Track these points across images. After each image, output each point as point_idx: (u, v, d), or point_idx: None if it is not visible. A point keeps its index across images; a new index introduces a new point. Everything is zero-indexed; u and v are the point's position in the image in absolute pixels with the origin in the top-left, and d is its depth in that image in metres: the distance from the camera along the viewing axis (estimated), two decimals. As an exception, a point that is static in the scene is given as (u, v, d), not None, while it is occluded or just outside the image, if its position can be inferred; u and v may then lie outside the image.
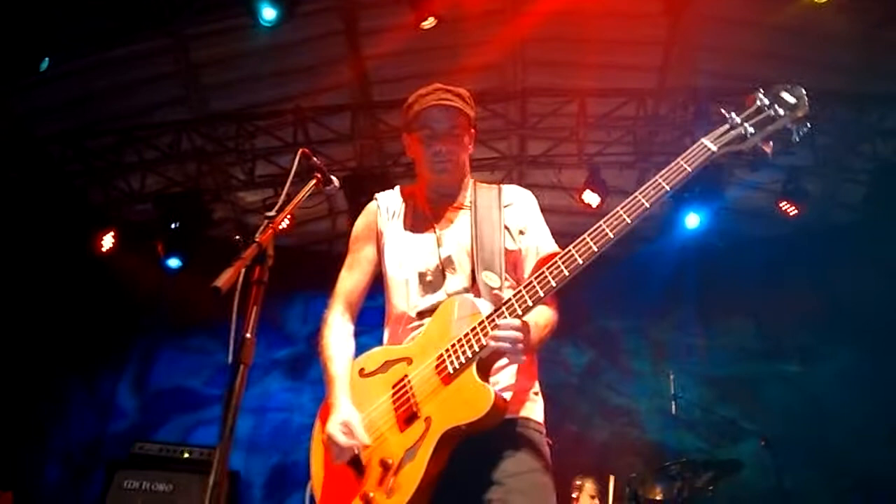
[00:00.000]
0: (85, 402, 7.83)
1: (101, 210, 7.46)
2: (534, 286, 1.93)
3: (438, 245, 2.28)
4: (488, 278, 2.16)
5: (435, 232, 2.31)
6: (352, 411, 2.09)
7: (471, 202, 2.36)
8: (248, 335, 1.68)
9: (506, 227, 2.29)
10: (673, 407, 5.38)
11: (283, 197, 2.03)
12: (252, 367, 1.65)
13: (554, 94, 7.24)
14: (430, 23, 5.79)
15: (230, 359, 1.62)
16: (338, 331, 2.33)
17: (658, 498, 5.26)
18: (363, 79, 7.47)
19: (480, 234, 2.25)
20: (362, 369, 2.23)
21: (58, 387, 7.56)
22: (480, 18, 6.92)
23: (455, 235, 2.30)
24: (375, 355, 2.25)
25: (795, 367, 7.71)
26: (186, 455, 5.29)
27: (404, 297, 2.26)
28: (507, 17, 6.93)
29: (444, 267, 2.23)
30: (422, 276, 2.25)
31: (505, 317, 1.92)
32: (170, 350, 8.31)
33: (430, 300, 2.21)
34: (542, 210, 2.45)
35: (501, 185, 2.48)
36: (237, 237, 1.67)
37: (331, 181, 2.26)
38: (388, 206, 2.46)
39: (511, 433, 2.05)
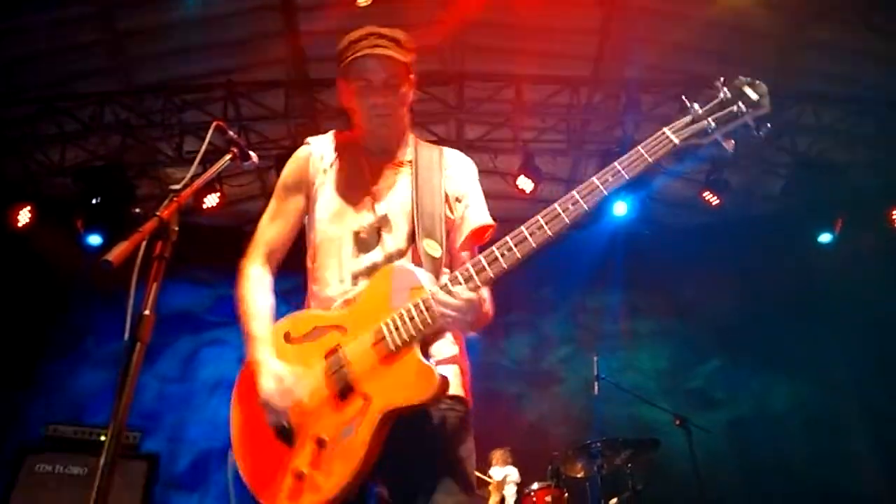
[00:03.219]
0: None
1: (17, 184, 7.09)
2: (495, 256, 1.82)
3: (375, 201, 2.14)
4: (430, 247, 2.03)
5: (371, 187, 2.16)
6: (282, 367, 1.97)
7: (412, 160, 2.22)
8: (147, 312, 1.63)
9: (445, 194, 2.16)
10: (596, 387, 5.54)
11: (192, 171, 1.98)
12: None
13: (491, 80, 7.26)
14: (365, 0, 5.71)
15: (125, 336, 1.58)
16: (257, 283, 2.15)
17: (579, 475, 5.43)
18: (299, 55, 7.31)
19: (421, 197, 2.12)
20: (288, 333, 2.07)
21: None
22: (421, 1, 6.88)
23: (393, 194, 2.16)
24: (303, 319, 2.09)
25: (714, 348, 8.06)
26: (102, 438, 5.06)
27: (336, 256, 2.11)
28: (447, 0, 6.92)
29: (381, 226, 2.10)
30: (356, 234, 2.11)
31: (460, 283, 1.82)
32: (87, 364, 7.50)
33: (365, 261, 2.07)
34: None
35: (443, 148, 2.32)
36: (136, 210, 1.61)
37: (248, 156, 2.15)
38: (321, 153, 2.27)
39: (442, 415, 1.98)
